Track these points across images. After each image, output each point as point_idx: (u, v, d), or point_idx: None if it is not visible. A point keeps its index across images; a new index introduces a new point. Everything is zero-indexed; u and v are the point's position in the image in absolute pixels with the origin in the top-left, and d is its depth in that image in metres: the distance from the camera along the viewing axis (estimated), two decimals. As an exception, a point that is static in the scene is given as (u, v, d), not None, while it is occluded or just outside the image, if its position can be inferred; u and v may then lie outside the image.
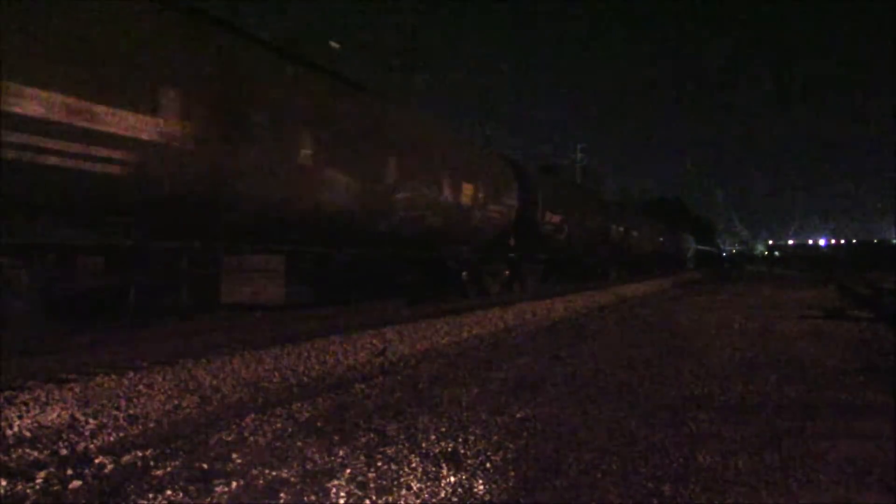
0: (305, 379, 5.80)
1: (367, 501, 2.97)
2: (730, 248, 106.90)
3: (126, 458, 3.44)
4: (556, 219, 17.84)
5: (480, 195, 13.08)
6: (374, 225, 10.03)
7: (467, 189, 12.51)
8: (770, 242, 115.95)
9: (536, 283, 18.08)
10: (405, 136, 10.99)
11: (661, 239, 39.19)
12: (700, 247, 64.49)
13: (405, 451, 3.66)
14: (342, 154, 8.97)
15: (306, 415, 4.45)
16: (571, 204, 19.72)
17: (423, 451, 3.68)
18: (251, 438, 3.86)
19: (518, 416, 4.45)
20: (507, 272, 16.22)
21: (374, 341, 7.91)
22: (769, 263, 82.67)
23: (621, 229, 26.71)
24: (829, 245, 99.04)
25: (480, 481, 3.22)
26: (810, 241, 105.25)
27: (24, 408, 4.48)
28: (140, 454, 3.51)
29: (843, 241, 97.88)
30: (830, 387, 5.55)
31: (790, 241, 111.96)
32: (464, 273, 13.92)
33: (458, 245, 13.10)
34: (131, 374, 5.69)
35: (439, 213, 11.62)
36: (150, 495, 2.95)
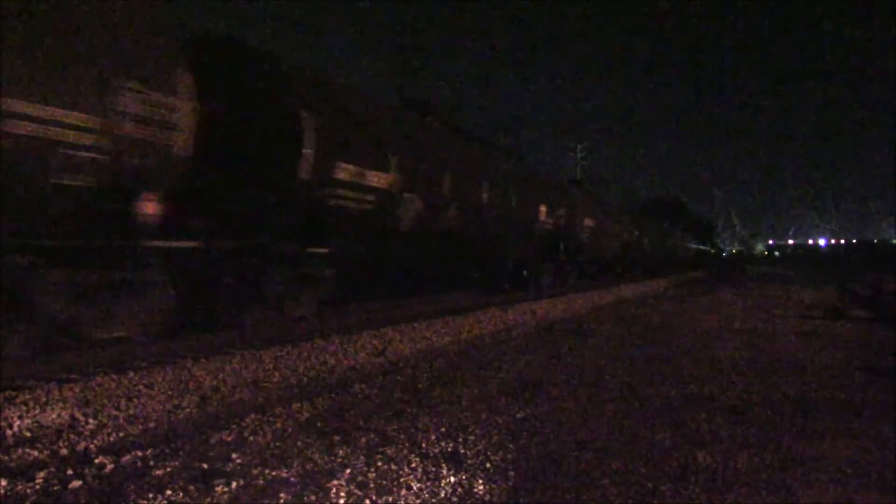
0: (305, 379, 5.79)
1: (367, 501, 2.97)
2: (730, 248, 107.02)
3: (126, 458, 3.44)
4: (382, 180, 9.43)
5: None
6: None
7: None
8: (770, 242, 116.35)
9: (311, 312, 8.85)
10: None
11: (638, 234, 30.81)
12: (699, 246, 64.49)
13: (405, 451, 3.66)
14: None
15: (306, 415, 4.45)
16: (438, 158, 11.49)
17: (423, 451, 3.68)
18: (251, 438, 3.86)
19: (518, 416, 4.45)
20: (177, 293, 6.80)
21: (374, 341, 7.91)
22: (769, 263, 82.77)
23: (561, 213, 18.20)
24: (829, 245, 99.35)
25: (480, 481, 3.22)
26: (810, 241, 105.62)
27: (24, 408, 4.49)
28: (140, 454, 3.51)
29: (843, 241, 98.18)
30: (830, 387, 5.55)
31: (790, 241, 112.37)
32: None
33: None
34: (131, 374, 5.69)
35: None
36: (150, 495, 2.95)
